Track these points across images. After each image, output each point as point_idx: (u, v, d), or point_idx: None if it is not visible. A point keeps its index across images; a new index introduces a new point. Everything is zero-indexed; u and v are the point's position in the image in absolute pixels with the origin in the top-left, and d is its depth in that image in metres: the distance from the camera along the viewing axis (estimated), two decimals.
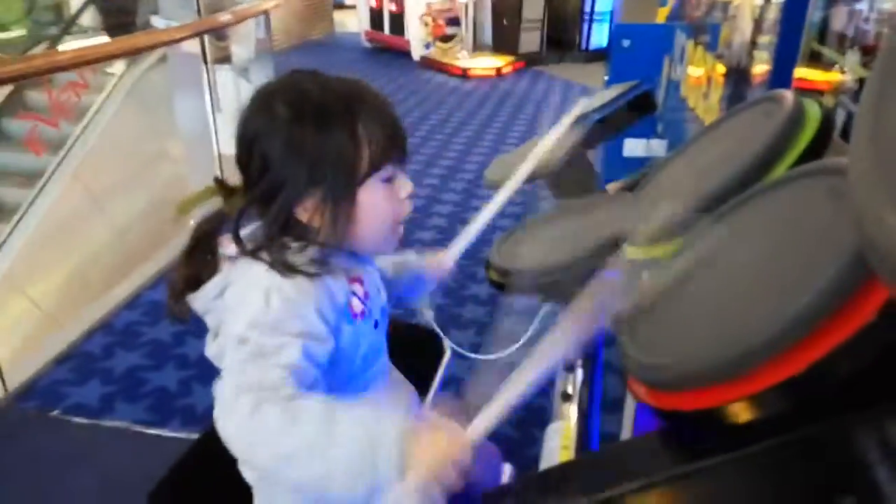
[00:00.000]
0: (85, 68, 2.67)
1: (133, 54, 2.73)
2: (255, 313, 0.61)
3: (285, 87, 0.67)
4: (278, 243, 0.65)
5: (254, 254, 0.65)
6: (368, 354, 0.72)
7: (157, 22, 2.85)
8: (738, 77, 1.68)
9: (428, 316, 0.89)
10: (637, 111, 1.36)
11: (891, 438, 0.44)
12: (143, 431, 1.69)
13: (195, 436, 1.00)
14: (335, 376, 0.67)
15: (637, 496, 0.51)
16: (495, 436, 1.00)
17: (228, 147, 0.71)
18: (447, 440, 0.54)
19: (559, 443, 0.81)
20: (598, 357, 0.99)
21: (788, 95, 0.74)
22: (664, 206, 0.76)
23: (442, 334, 0.89)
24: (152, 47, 2.65)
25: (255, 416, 0.55)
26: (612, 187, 1.30)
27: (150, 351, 2.03)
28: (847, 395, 0.44)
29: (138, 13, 3.30)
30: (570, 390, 0.92)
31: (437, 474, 0.53)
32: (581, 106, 1.11)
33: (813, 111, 0.71)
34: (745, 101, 0.89)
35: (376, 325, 0.74)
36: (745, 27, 1.66)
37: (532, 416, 1.74)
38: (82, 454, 1.62)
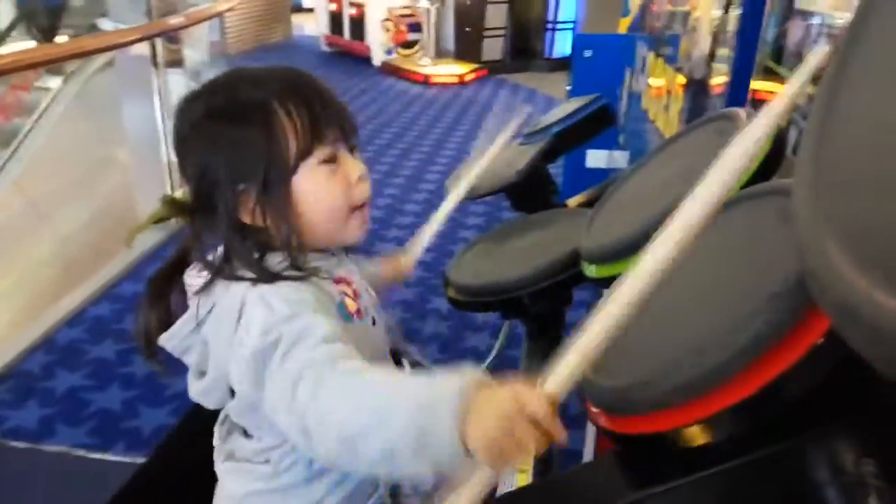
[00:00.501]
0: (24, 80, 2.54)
1: (81, 57, 2.62)
2: (262, 321, 0.57)
3: (208, 88, 0.65)
4: (249, 257, 0.61)
5: (227, 274, 0.61)
6: (375, 355, 0.68)
7: (105, 25, 2.75)
8: (697, 89, 1.70)
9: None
10: (596, 124, 1.38)
11: (840, 459, 0.45)
12: (86, 456, 1.61)
13: (140, 460, 0.96)
14: None
15: None
16: None
17: None
18: (510, 395, 0.46)
19: (516, 467, 0.80)
20: None
21: (741, 114, 0.75)
22: (619, 224, 0.76)
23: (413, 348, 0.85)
24: (101, 50, 2.55)
25: (318, 398, 0.53)
26: (571, 202, 1.30)
27: (93, 370, 1.93)
28: (798, 416, 0.44)
29: (63, 16, 3.17)
30: None
31: (505, 435, 0.46)
32: (524, 115, 1.11)
33: None
34: (700, 118, 0.90)
35: (374, 323, 0.71)
36: (704, 40, 1.69)
37: None
38: (21, 481, 1.53)
